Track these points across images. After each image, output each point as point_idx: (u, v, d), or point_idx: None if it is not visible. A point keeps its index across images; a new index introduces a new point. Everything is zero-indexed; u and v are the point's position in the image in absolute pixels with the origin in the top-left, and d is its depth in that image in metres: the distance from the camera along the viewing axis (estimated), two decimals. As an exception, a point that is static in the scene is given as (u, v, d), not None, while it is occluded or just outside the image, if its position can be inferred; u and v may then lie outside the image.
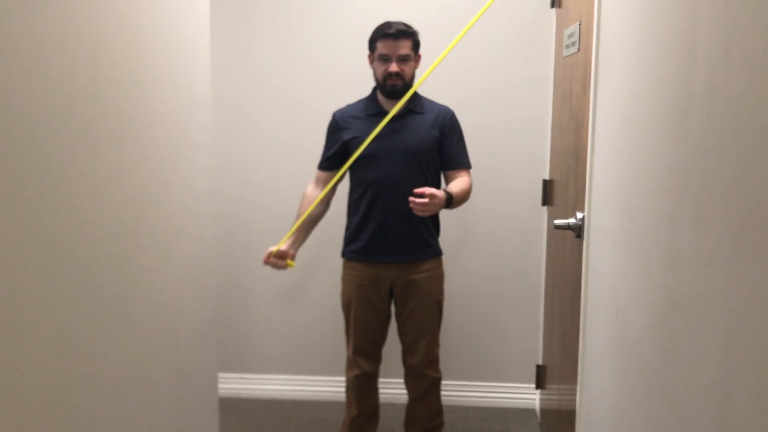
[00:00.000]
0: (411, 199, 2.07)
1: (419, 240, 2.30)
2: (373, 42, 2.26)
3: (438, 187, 2.35)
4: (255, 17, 2.95)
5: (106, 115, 1.14)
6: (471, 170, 2.40)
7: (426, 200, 2.07)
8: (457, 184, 2.29)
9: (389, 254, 2.29)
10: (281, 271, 2.55)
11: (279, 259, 2.31)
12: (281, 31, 2.95)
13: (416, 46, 2.27)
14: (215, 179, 1.82)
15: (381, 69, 2.24)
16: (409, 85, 2.25)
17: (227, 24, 2.94)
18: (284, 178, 3.00)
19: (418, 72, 2.30)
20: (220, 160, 2.76)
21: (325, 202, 2.40)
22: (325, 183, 2.36)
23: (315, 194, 2.36)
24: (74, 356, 1.03)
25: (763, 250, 0.81)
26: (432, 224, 2.36)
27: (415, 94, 2.33)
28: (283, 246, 2.32)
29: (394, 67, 2.21)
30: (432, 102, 2.37)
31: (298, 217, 2.35)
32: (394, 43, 2.20)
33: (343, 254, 2.40)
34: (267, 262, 2.32)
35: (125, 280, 1.22)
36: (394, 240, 2.28)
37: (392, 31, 2.20)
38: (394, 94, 2.23)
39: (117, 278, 1.19)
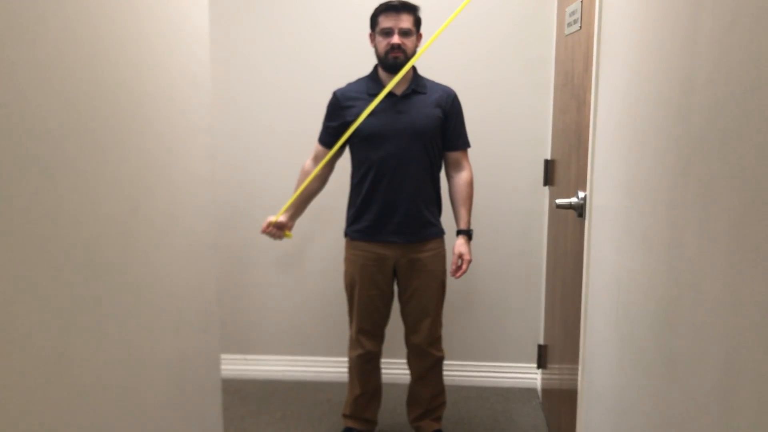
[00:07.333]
0: (457, 275, 2.31)
1: (423, 220, 2.30)
2: (375, 17, 2.26)
3: (439, 167, 2.36)
4: (254, 2, 2.93)
5: (104, 98, 1.13)
6: (472, 151, 2.40)
7: (465, 267, 2.31)
8: (463, 200, 2.35)
9: (394, 234, 2.29)
10: (283, 253, 2.56)
11: (277, 230, 2.35)
12: (280, 17, 2.92)
13: (418, 22, 2.27)
14: (215, 161, 1.81)
15: (383, 43, 2.23)
16: (410, 60, 2.24)
17: (226, 7, 2.91)
18: (284, 160, 2.98)
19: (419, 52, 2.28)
20: (220, 141, 2.75)
21: (322, 179, 2.40)
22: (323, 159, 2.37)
23: (312, 169, 2.36)
24: (75, 340, 1.03)
25: (767, 228, 0.80)
26: (435, 204, 2.36)
27: (418, 75, 2.33)
28: (281, 217, 2.34)
29: (396, 39, 2.20)
30: (434, 82, 2.35)
31: (296, 190, 2.36)
32: (396, 15, 2.20)
33: (347, 234, 2.40)
34: (265, 231, 2.36)
35: (126, 263, 1.22)
36: (399, 220, 2.27)
37: (395, 3, 2.21)
38: (396, 68, 2.21)
39: (117, 261, 1.19)
